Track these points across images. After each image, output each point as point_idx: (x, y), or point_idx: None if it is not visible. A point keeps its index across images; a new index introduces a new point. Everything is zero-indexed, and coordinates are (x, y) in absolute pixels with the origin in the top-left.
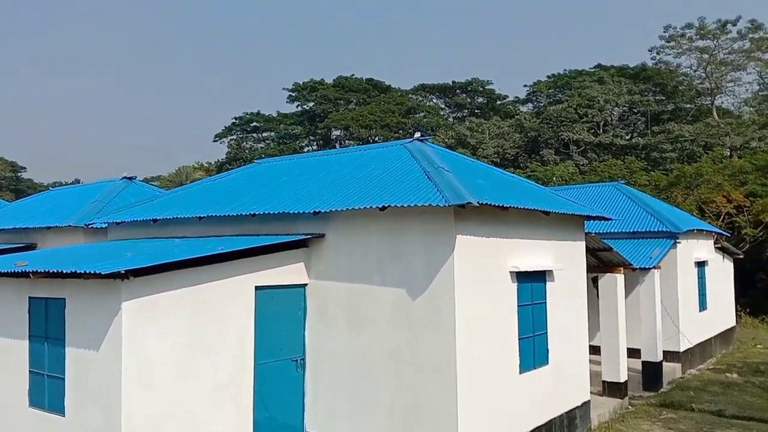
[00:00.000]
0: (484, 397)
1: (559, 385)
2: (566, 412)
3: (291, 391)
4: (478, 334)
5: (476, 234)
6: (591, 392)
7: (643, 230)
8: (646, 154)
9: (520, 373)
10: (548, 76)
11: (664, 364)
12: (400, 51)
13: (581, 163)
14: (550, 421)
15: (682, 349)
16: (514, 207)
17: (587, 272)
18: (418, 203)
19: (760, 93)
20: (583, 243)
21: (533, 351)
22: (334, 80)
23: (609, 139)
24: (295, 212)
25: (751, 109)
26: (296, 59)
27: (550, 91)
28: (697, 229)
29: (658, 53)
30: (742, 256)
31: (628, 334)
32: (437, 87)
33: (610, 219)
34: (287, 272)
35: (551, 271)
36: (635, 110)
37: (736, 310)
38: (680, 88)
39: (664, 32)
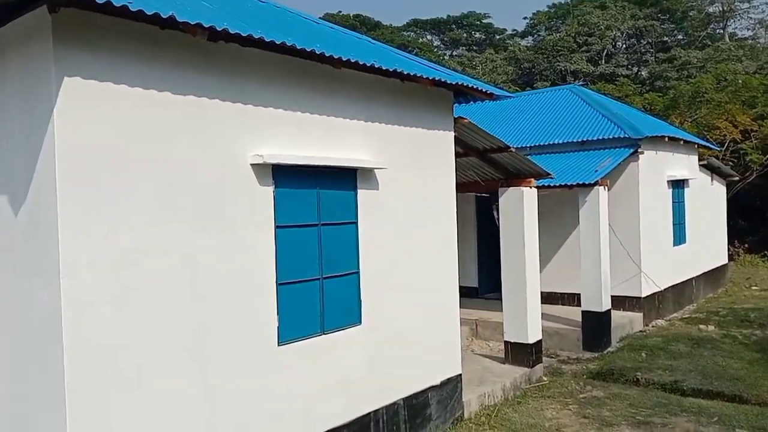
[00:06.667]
0: (161, 402)
1: (386, 357)
2: (406, 398)
3: None
4: (154, 285)
5: (147, 85)
6: (495, 359)
7: (596, 138)
8: (650, 84)
9: (281, 344)
10: (548, 6)
11: (621, 314)
12: None
13: None
14: (366, 416)
15: (644, 295)
16: (221, 31)
17: (488, 189)
18: None
19: None
20: (451, 134)
21: (320, 304)
22: (320, 18)
23: (610, 69)
24: None
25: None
26: None
27: (551, 22)
28: (670, 137)
29: None
30: (737, 178)
31: (571, 276)
32: (431, 22)
33: (495, 97)
34: None
35: (371, 170)
36: (642, 40)
37: (734, 247)
38: (690, 13)
39: None
